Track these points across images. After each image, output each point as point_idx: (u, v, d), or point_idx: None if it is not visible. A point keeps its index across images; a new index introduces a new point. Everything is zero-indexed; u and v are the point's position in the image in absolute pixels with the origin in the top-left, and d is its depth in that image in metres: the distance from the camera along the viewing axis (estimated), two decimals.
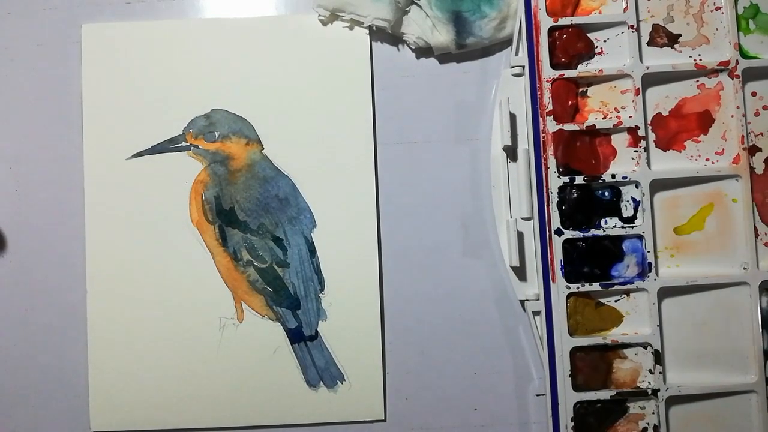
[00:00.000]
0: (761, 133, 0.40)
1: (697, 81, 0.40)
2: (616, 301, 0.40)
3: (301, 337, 0.41)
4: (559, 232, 0.39)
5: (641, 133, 0.40)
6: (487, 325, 0.41)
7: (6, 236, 0.42)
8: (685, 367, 0.40)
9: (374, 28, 0.41)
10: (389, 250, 0.41)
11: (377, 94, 0.42)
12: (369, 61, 0.42)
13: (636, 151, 0.40)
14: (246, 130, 0.41)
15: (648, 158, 0.40)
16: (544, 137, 0.40)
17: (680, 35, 0.40)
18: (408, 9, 0.41)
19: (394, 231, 0.42)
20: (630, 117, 0.40)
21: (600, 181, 0.40)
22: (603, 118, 0.40)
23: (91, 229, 0.41)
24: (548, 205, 0.40)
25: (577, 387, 0.39)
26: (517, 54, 0.41)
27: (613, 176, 0.40)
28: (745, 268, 0.39)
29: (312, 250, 0.41)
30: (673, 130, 0.40)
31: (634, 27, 0.40)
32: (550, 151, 0.40)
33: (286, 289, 0.41)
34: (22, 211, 0.42)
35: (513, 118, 0.41)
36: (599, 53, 0.41)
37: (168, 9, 0.43)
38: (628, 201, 0.40)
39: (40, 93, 0.41)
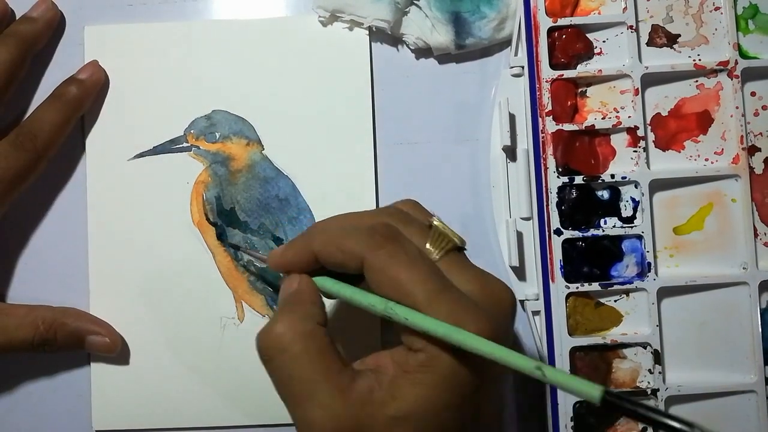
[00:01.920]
0: (760, 133, 0.40)
1: (697, 81, 0.40)
2: (615, 301, 0.40)
3: None
4: (558, 232, 0.40)
5: (640, 133, 0.40)
6: None
7: (9, 236, 0.42)
8: (685, 367, 0.40)
9: (374, 28, 0.41)
10: None
11: (377, 94, 0.42)
12: (369, 61, 0.42)
13: (635, 151, 0.40)
14: (246, 130, 0.42)
15: (647, 158, 0.40)
16: (543, 137, 0.40)
17: (679, 35, 0.41)
18: (407, 10, 0.41)
19: None
20: (629, 117, 0.40)
21: (599, 181, 0.40)
22: (602, 119, 0.40)
23: (93, 229, 0.42)
24: (547, 205, 0.40)
25: None
26: (516, 54, 0.41)
27: (613, 176, 0.40)
28: (744, 268, 0.39)
29: None
30: (673, 130, 0.40)
31: (633, 27, 0.40)
32: (550, 151, 0.40)
33: None
34: (25, 211, 0.42)
35: (512, 118, 0.41)
36: (598, 53, 0.41)
37: (170, 11, 0.43)
38: (627, 201, 0.40)
39: (44, 95, 0.41)
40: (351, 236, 0.31)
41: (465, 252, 0.32)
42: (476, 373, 0.29)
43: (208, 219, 0.42)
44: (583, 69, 0.40)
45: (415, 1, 0.41)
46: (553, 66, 0.40)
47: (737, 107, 0.40)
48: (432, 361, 0.29)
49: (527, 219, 0.41)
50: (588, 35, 0.41)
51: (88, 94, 0.41)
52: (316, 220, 0.41)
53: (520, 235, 0.41)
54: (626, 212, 0.40)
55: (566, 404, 0.39)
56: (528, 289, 0.41)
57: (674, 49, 0.41)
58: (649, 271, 0.39)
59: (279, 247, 0.34)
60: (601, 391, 0.26)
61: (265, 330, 0.31)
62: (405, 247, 0.30)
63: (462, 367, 0.29)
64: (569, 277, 0.40)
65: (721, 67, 0.40)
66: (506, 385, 0.41)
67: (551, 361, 0.39)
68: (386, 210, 0.33)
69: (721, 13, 0.40)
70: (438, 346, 0.29)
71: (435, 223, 0.32)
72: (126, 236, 0.42)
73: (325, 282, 0.33)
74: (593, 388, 0.27)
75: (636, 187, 0.40)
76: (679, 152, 0.40)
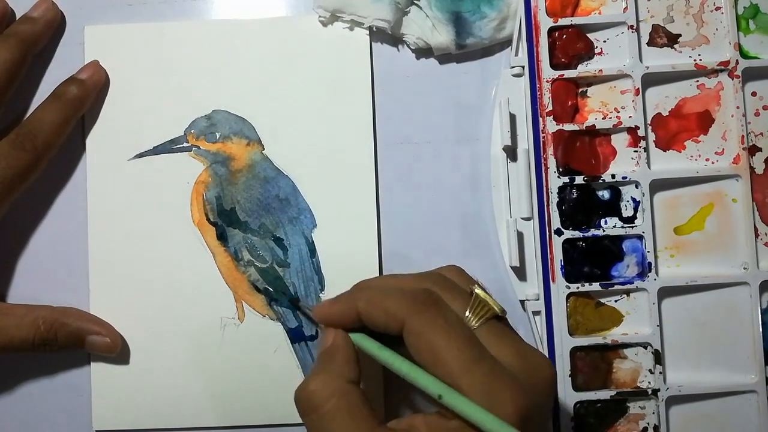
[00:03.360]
0: (761, 133, 0.40)
1: (697, 81, 0.40)
2: (616, 301, 0.40)
3: (302, 336, 0.41)
4: (558, 232, 0.40)
5: (641, 133, 0.40)
6: None
7: (9, 236, 0.42)
8: (686, 367, 0.40)
9: (374, 28, 0.41)
10: (389, 250, 0.42)
11: (377, 94, 0.42)
12: (369, 61, 0.42)
13: (636, 151, 0.40)
14: (247, 130, 0.42)
15: (648, 158, 0.40)
16: (543, 137, 0.40)
17: (680, 35, 0.41)
18: (408, 10, 0.41)
19: (394, 231, 0.42)
20: (630, 117, 0.40)
21: (600, 181, 0.40)
22: (603, 118, 0.40)
23: (93, 229, 0.42)
24: (548, 205, 0.40)
25: (577, 387, 0.39)
26: (516, 54, 0.41)
27: (613, 176, 0.40)
28: (745, 268, 0.39)
29: (312, 250, 0.41)
30: (673, 130, 0.40)
31: (634, 27, 0.40)
32: (550, 151, 0.40)
33: (286, 289, 0.41)
34: (25, 211, 0.42)
35: (513, 118, 0.41)
36: (599, 53, 0.41)
37: (170, 11, 0.43)
38: (627, 201, 0.40)
39: (44, 95, 0.41)
40: (393, 298, 0.31)
41: (506, 320, 0.33)
42: None
43: (208, 219, 0.41)
44: (584, 69, 0.40)
45: (415, 1, 0.41)
46: (554, 66, 0.40)
47: (738, 107, 0.40)
48: (461, 431, 0.29)
49: (528, 219, 0.41)
50: (588, 35, 0.41)
51: (89, 94, 0.41)
52: (317, 221, 0.41)
53: (520, 235, 0.41)
54: (627, 212, 0.40)
55: (566, 404, 0.39)
56: (528, 289, 0.41)
57: (675, 49, 0.41)
58: (650, 271, 0.39)
59: (325, 301, 0.34)
60: None
61: (300, 386, 0.32)
62: (445, 314, 0.30)
63: None
64: (570, 277, 0.40)
65: (722, 67, 0.40)
66: None
67: (552, 361, 0.39)
68: (430, 275, 0.34)
69: (722, 13, 0.40)
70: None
71: (476, 291, 0.32)
72: (126, 236, 0.41)
73: (363, 341, 0.33)
74: None
75: (636, 187, 0.40)
76: (680, 152, 0.40)
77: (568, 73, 0.40)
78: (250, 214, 0.41)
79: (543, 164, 0.40)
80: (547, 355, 0.39)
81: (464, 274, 0.34)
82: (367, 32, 0.42)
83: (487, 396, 0.29)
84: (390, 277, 0.35)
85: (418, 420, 0.30)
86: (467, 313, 0.31)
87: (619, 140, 0.40)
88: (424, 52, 0.42)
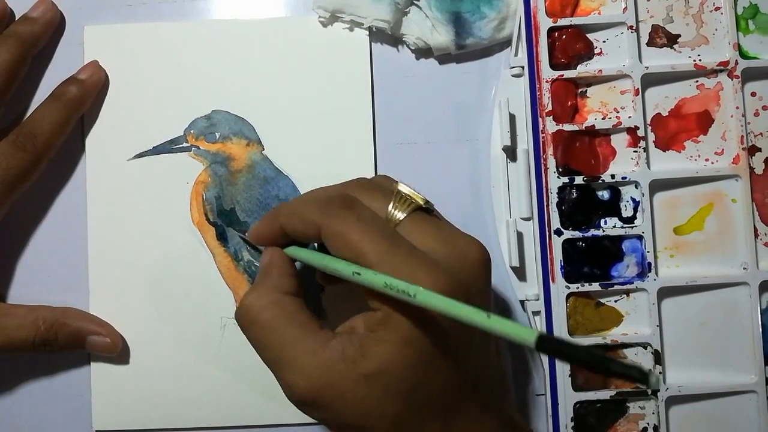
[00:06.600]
0: (761, 133, 0.40)
1: (697, 81, 0.40)
2: (615, 301, 0.40)
3: None
4: (558, 233, 0.40)
5: (641, 133, 0.40)
6: None
7: (9, 236, 0.42)
8: (685, 367, 0.40)
9: (374, 29, 0.41)
10: None
11: (377, 94, 0.42)
12: (369, 61, 0.42)
13: (635, 152, 0.40)
14: (246, 130, 0.42)
15: (647, 158, 0.40)
16: (543, 137, 0.40)
17: (679, 36, 0.41)
18: (408, 10, 0.41)
19: None
20: (629, 117, 0.40)
21: (599, 181, 0.40)
22: (602, 119, 0.40)
23: (93, 229, 0.42)
24: (548, 206, 0.40)
25: (576, 387, 0.39)
26: (516, 54, 0.41)
27: (613, 176, 0.40)
28: (744, 268, 0.40)
29: None
30: (673, 130, 0.40)
31: (634, 27, 0.40)
32: (550, 151, 0.40)
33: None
34: (25, 211, 0.42)
35: (512, 118, 0.41)
36: (598, 54, 0.41)
37: (169, 11, 0.43)
38: (627, 201, 0.40)
39: (44, 95, 0.41)
40: (310, 206, 0.32)
41: (434, 213, 0.34)
42: (437, 332, 0.30)
43: (207, 219, 0.41)
44: (583, 69, 0.40)
45: (415, 2, 0.41)
46: (554, 66, 0.40)
47: (737, 107, 0.40)
48: (388, 319, 0.30)
49: (527, 219, 0.41)
50: (588, 35, 0.41)
51: (88, 94, 0.41)
52: None
53: (520, 236, 0.41)
54: (626, 212, 0.40)
55: (566, 404, 0.39)
56: (528, 290, 0.41)
57: (674, 50, 0.41)
58: (650, 272, 0.39)
59: (255, 222, 0.36)
60: (536, 336, 0.26)
61: (239, 303, 0.33)
62: (358, 213, 0.31)
63: (419, 323, 0.30)
64: (569, 277, 0.40)
65: (722, 68, 0.40)
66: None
67: (551, 361, 0.39)
68: (354, 181, 0.35)
69: (722, 14, 0.40)
70: (391, 305, 0.30)
71: (399, 187, 0.33)
72: (126, 236, 0.41)
73: (295, 251, 0.34)
74: (528, 334, 0.26)
75: (636, 187, 0.40)
76: (680, 152, 0.40)
77: (568, 74, 0.40)
78: (250, 215, 0.41)
79: (543, 164, 0.40)
80: (546, 357, 0.39)
81: (390, 178, 0.36)
82: (367, 32, 0.42)
83: (403, 278, 0.29)
84: (313, 190, 0.35)
85: (357, 321, 0.32)
86: (389, 209, 0.32)
87: (619, 140, 0.40)
88: (423, 52, 0.42)
